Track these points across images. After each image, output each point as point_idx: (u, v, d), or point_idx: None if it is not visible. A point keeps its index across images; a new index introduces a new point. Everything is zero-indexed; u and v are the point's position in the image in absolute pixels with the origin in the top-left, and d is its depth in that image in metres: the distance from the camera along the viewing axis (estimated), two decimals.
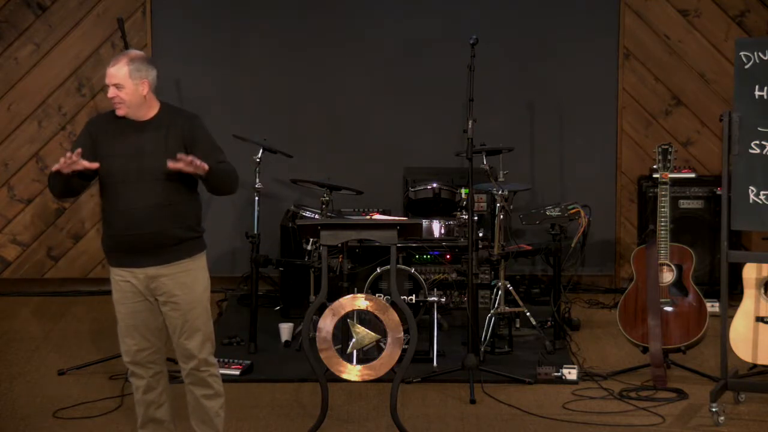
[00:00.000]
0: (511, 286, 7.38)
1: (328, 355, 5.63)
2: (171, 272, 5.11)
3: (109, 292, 8.74)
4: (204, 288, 5.22)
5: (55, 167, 5.04)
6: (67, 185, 5.13)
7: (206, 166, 4.99)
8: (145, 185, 5.04)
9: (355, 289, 6.17)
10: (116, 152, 5.07)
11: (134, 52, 5.17)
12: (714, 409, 5.95)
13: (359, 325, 5.71)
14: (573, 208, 7.45)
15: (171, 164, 4.96)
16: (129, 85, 5.07)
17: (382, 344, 5.67)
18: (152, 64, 5.17)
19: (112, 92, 5.08)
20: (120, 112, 5.10)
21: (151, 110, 5.15)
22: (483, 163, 7.32)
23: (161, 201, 5.05)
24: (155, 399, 5.26)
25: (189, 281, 5.15)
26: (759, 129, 6.02)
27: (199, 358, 5.20)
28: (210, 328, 5.26)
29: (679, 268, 6.74)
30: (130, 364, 5.23)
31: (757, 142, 6.02)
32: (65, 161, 4.99)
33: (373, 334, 5.69)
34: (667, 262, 6.71)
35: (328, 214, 7.50)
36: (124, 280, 5.15)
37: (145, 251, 5.08)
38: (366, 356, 5.94)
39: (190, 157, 4.95)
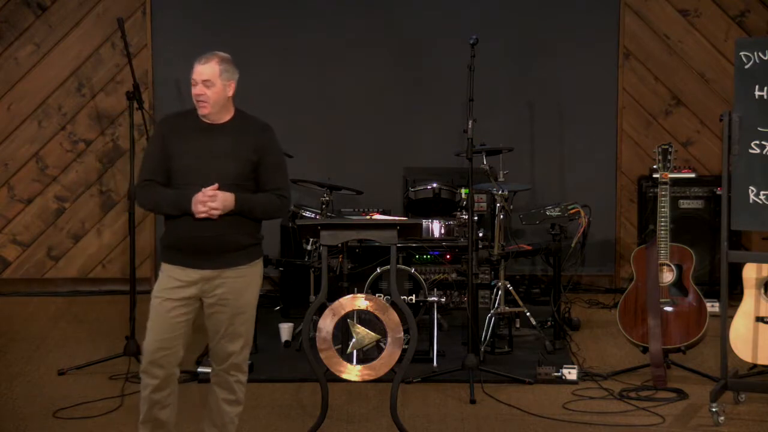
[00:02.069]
0: (511, 286, 7.38)
1: (328, 355, 5.63)
2: (228, 276, 5.11)
3: (108, 293, 8.84)
4: (255, 295, 5.23)
5: (202, 213, 4.99)
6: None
7: (222, 208, 5.01)
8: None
9: (355, 289, 6.17)
10: (187, 152, 5.06)
11: (223, 54, 5.16)
12: (714, 409, 5.94)
13: (359, 325, 5.71)
14: (573, 208, 7.45)
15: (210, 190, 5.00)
16: (218, 84, 5.07)
17: (382, 344, 5.67)
18: (237, 67, 5.20)
19: (199, 89, 5.07)
20: (204, 111, 5.09)
21: (227, 114, 5.15)
22: (483, 163, 7.31)
23: None
24: (161, 399, 5.21)
25: (242, 287, 5.16)
26: (759, 129, 6.01)
27: (234, 362, 5.22)
28: (251, 334, 5.27)
29: (679, 268, 6.73)
30: (145, 361, 5.17)
31: (757, 142, 6.02)
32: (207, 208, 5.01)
33: (373, 334, 5.69)
34: (667, 262, 6.71)
35: (328, 214, 7.50)
36: (175, 278, 5.10)
37: (207, 254, 5.06)
38: (366, 356, 5.93)
39: (217, 200, 4.98)
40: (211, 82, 5.05)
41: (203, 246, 5.05)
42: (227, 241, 5.07)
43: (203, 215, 4.99)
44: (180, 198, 5.02)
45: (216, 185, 5.00)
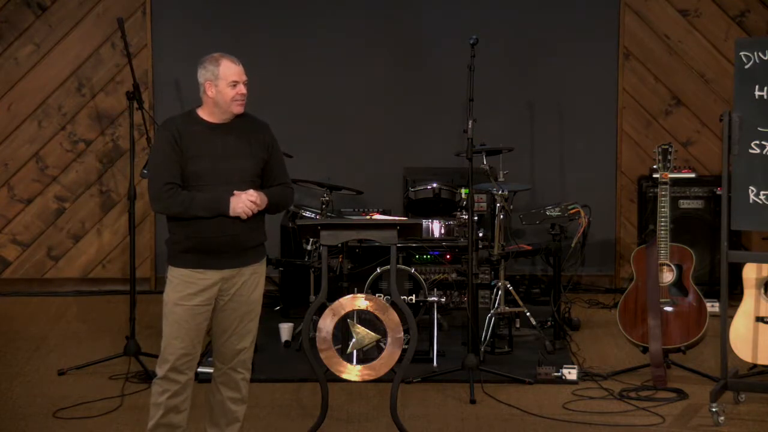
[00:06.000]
0: (511, 286, 7.38)
1: (328, 355, 5.63)
2: (244, 274, 5.15)
3: (108, 293, 8.83)
4: (262, 292, 5.27)
5: (243, 213, 5.05)
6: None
7: (262, 206, 5.11)
8: (234, 186, 5.05)
9: (355, 289, 6.17)
10: (204, 153, 5.06)
11: None
12: (714, 409, 5.95)
13: (359, 325, 5.71)
14: (573, 208, 7.45)
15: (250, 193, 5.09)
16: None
17: (382, 344, 5.67)
18: None
19: (244, 89, 5.15)
20: (241, 110, 5.14)
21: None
22: (483, 163, 7.31)
23: None
24: (178, 404, 5.17)
25: (254, 284, 5.20)
26: (759, 129, 6.02)
27: (242, 359, 5.24)
28: (256, 332, 5.30)
29: (679, 268, 6.74)
30: (166, 369, 5.11)
31: (757, 142, 6.02)
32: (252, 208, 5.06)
33: (373, 334, 5.69)
34: (667, 262, 6.71)
35: (328, 214, 7.50)
36: (194, 283, 5.08)
37: (230, 253, 5.09)
38: (366, 356, 5.93)
39: (256, 197, 5.05)
40: (246, 82, 5.15)
41: (229, 244, 5.06)
42: (249, 238, 5.12)
43: (247, 214, 5.02)
44: (214, 200, 5.02)
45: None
